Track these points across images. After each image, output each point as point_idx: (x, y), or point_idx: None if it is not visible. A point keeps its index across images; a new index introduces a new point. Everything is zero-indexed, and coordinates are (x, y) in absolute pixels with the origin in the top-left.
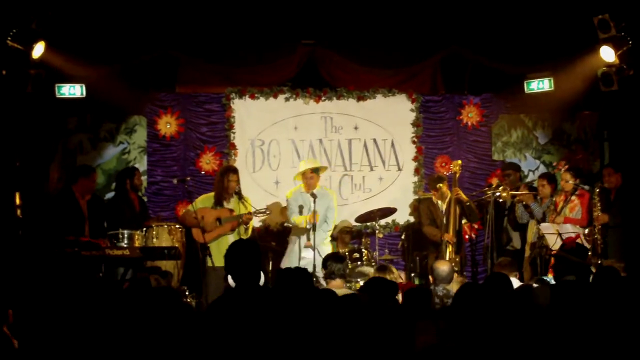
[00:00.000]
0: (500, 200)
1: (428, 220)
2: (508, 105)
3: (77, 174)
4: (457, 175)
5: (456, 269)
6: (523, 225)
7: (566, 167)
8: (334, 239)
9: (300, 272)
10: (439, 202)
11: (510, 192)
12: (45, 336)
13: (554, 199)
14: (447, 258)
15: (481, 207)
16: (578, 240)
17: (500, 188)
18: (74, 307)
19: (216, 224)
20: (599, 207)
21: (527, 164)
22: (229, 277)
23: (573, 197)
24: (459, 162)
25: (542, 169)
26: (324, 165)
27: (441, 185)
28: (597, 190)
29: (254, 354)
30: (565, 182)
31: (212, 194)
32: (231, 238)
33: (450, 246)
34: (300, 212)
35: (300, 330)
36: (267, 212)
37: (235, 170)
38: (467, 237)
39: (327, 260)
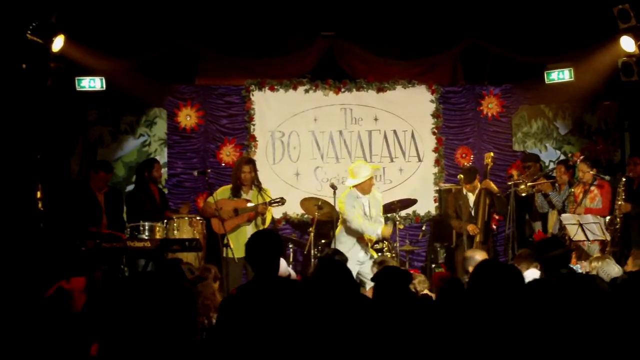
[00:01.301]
0: (521, 194)
1: (454, 212)
2: (528, 96)
3: (89, 168)
4: (489, 167)
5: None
6: (544, 216)
7: (581, 157)
8: None
9: (339, 265)
10: (469, 193)
11: (529, 184)
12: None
13: (572, 190)
14: (474, 248)
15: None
16: (597, 230)
17: (520, 183)
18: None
19: (233, 214)
20: (623, 197)
21: (548, 155)
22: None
23: (592, 188)
24: (491, 154)
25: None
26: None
27: (462, 175)
28: (623, 179)
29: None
30: (582, 173)
31: (230, 185)
32: (249, 229)
33: (478, 236)
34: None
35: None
36: (282, 203)
37: (248, 162)
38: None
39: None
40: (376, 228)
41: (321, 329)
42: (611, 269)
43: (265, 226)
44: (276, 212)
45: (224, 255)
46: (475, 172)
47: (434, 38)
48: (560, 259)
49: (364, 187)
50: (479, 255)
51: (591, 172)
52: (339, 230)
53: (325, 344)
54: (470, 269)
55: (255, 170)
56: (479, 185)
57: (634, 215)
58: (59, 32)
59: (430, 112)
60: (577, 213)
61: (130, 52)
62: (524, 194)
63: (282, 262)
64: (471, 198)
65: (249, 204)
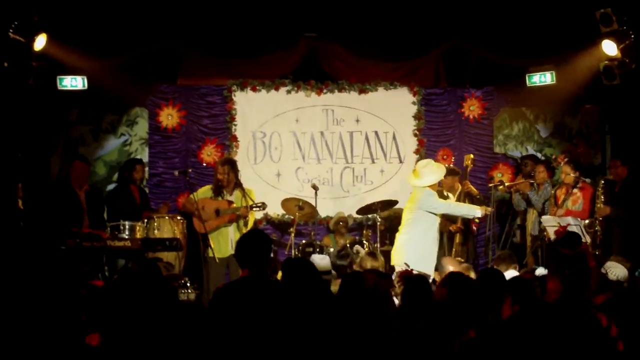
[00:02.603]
0: (498, 193)
1: None
2: (510, 99)
3: (67, 164)
4: (469, 168)
5: (462, 259)
6: (523, 216)
7: (565, 160)
8: (331, 231)
9: (305, 263)
10: (449, 194)
11: (507, 184)
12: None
13: (553, 192)
14: (454, 249)
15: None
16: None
17: (498, 184)
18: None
19: (214, 215)
20: (602, 199)
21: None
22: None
23: (575, 190)
24: (471, 155)
25: None
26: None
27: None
28: (602, 182)
29: (257, 344)
30: (565, 174)
31: (212, 185)
32: (231, 230)
33: (458, 237)
34: None
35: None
36: (263, 207)
37: (224, 162)
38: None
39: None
40: (473, 208)
41: (299, 328)
42: (619, 271)
43: (247, 229)
44: (257, 213)
45: (206, 255)
46: (454, 172)
47: (416, 40)
48: (571, 259)
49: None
50: (452, 267)
51: (574, 175)
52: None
53: (307, 342)
54: (438, 276)
55: (235, 170)
56: (459, 186)
57: (614, 217)
58: (41, 30)
59: (412, 114)
60: (557, 215)
61: (113, 51)
62: (498, 193)
63: (325, 258)
64: (452, 200)
65: (232, 206)
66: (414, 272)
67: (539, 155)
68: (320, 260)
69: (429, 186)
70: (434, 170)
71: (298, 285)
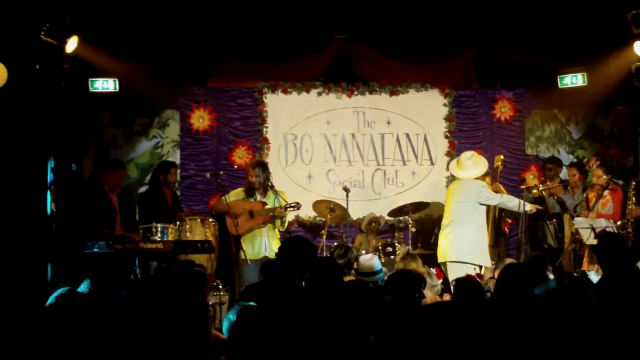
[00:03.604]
0: (530, 195)
1: None
2: (541, 100)
3: (103, 168)
4: (499, 170)
5: (493, 262)
6: (558, 218)
7: (597, 163)
8: (363, 232)
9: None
10: None
11: (541, 188)
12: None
13: (585, 195)
14: None
15: None
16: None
17: (532, 187)
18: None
19: (248, 216)
20: (634, 201)
21: (561, 159)
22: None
23: (605, 193)
24: (502, 157)
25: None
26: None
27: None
28: (633, 183)
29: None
30: (597, 177)
31: (244, 188)
32: (265, 231)
33: (489, 238)
34: None
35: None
36: (297, 207)
37: (255, 165)
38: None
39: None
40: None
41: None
42: None
43: (284, 229)
44: (290, 214)
45: (238, 257)
46: (485, 174)
47: (447, 41)
48: (618, 261)
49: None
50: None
51: (605, 177)
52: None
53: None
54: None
55: (266, 173)
56: (491, 188)
57: None
58: (73, 33)
59: (443, 116)
60: (589, 217)
61: (144, 54)
62: (535, 197)
63: (373, 258)
64: None
65: (266, 207)
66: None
67: (570, 157)
68: (367, 261)
69: (477, 178)
70: (478, 163)
71: (323, 285)
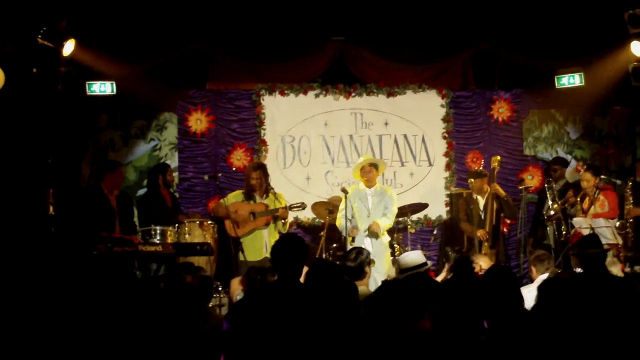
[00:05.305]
0: (528, 195)
1: (465, 216)
2: (539, 101)
3: (103, 170)
4: (496, 170)
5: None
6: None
7: (585, 167)
8: None
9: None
10: (478, 197)
11: (560, 203)
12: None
13: (578, 199)
14: (483, 252)
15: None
16: (608, 234)
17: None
18: (106, 304)
19: (250, 218)
20: (631, 201)
21: (566, 159)
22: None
23: (599, 195)
24: (498, 157)
25: (574, 164)
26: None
27: (472, 180)
28: (630, 183)
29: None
30: (587, 182)
31: (243, 190)
32: (266, 233)
33: (485, 241)
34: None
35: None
36: (302, 207)
37: (256, 168)
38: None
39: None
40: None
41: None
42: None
43: (285, 230)
44: (289, 216)
45: (237, 258)
46: (482, 175)
47: (444, 42)
48: (596, 257)
49: (366, 179)
50: (483, 263)
51: (594, 180)
52: None
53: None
54: None
55: (266, 175)
56: (488, 189)
57: None
58: (70, 36)
59: (441, 117)
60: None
61: (141, 57)
62: (555, 212)
63: (417, 252)
64: (481, 202)
65: (268, 208)
66: None
67: (568, 157)
68: (409, 256)
69: None
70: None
71: (323, 289)
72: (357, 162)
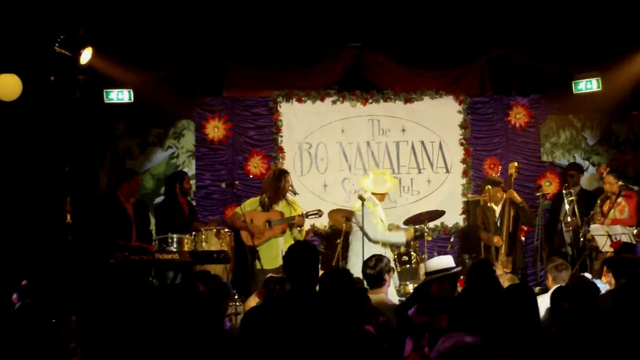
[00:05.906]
0: (545, 202)
1: (482, 224)
2: (556, 106)
3: (120, 178)
4: (513, 177)
5: (507, 270)
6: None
7: (607, 170)
8: None
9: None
10: (493, 205)
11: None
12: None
13: (599, 202)
14: (499, 260)
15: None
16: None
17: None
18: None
19: (266, 226)
20: None
21: (582, 165)
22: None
23: (620, 199)
24: (516, 164)
25: (591, 170)
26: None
27: (489, 187)
28: None
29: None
30: (610, 185)
31: (259, 197)
32: (282, 241)
33: (503, 247)
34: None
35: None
36: (319, 214)
37: (285, 172)
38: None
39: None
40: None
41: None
42: None
43: (302, 238)
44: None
45: (257, 267)
46: (496, 183)
47: (461, 48)
48: (627, 263)
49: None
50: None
51: (618, 184)
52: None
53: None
54: None
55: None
56: (503, 196)
57: None
58: (87, 44)
59: (458, 123)
60: (605, 224)
61: (158, 65)
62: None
63: (447, 256)
64: (497, 209)
65: (284, 216)
66: None
67: (585, 163)
68: (437, 261)
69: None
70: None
71: (336, 298)
72: (382, 182)
